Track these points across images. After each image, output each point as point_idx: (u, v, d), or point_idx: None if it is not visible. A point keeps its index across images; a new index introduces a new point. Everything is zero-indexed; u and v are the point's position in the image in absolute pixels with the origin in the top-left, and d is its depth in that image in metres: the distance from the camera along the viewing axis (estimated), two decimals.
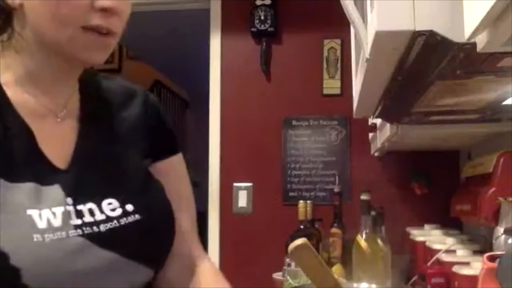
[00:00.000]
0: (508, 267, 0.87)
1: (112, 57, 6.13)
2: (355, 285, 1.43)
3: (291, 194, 2.64)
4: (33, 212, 0.71)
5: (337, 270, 1.97)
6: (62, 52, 0.79)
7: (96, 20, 0.77)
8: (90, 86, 0.90)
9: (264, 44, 2.71)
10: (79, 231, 0.74)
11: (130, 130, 0.90)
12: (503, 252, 0.94)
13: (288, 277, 1.76)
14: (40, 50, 0.79)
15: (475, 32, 0.67)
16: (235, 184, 2.64)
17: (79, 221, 0.75)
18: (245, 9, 2.72)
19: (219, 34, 2.77)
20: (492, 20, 0.63)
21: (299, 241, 0.94)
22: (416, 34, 0.79)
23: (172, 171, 0.94)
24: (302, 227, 2.14)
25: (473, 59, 0.81)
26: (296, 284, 1.71)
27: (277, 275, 1.96)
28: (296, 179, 2.66)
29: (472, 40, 0.70)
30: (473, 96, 1.16)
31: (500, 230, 1.30)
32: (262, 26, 2.70)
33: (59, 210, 0.74)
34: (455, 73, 0.93)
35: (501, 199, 1.37)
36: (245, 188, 2.64)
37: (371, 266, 1.62)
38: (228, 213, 2.67)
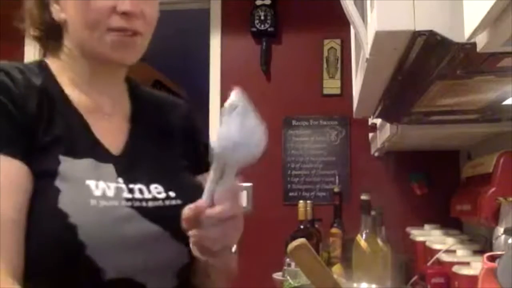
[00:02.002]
0: (508, 267, 0.87)
1: None
2: (355, 285, 1.43)
3: (291, 194, 2.64)
4: (91, 183, 0.81)
5: (337, 270, 1.97)
6: (96, 55, 0.88)
7: (118, 22, 0.86)
8: (141, 91, 1.02)
9: (264, 44, 2.71)
10: (129, 203, 0.83)
11: (172, 133, 0.99)
12: (503, 252, 0.93)
13: (288, 277, 1.76)
14: (82, 55, 0.90)
15: (475, 32, 0.67)
16: None
17: (130, 196, 0.84)
18: (245, 9, 2.72)
19: (219, 34, 2.77)
20: (492, 20, 0.63)
21: (298, 242, 0.94)
22: (416, 34, 0.79)
23: None
24: (302, 227, 2.14)
25: (473, 59, 0.81)
26: (296, 284, 1.71)
27: (277, 275, 1.96)
28: (296, 179, 2.65)
29: (472, 40, 0.70)
30: (473, 96, 1.16)
31: (500, 230, 1.30)
32: (262, 26, 2.70)
33: (112, 185, 0.83)
34: (455, 73, 0.93)
35: (501, 199, 1.37)
36: (245, 188, 2.64)
37: (371, 266, 1.62)
38: None
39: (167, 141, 0.97)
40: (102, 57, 0.88)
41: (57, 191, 0.78)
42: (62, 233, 0.77)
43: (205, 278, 0.93)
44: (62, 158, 0.81)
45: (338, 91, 2.67)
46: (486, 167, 1.55)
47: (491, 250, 1.26)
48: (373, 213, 1.71)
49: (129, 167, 0.88)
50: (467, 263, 1.38)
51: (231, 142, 0.75)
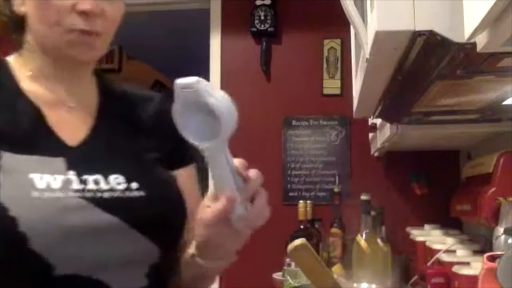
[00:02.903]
0: (508, 267, 0.87)
1: (112, 57, 6.14)
2: (355, 285, 1.43)
3: (291, 194, 2.64)
4: (34, 176, 0.77)
5: (337, 270, 1.97)
6: (55, 51, 0.87)
7: (77, 22, 0.84)
8: (111, 86, 0.99)
9: (264, 44, 2.71)
10: (79, 194, 0.79)
11: (142, 126, 0.95)
12: (503, 252, 0.94)
13: (288, 277, 1.76)
14: (42, 51, 0.88)
15: (475, 32, 0.67)
16: None
17: (80, 186, 0.80)
18: (245, 9, 2.71)
19: (219, 34, 2.77)
20: (492, 20, 0.63)
21: (298, 242, 0.94)
22: (416, 34, 0.79)
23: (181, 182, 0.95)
24: (302, 227, 2.14)
25: (473, 59, 0.81)
26: (296, 284, 1.71)
27: (277, 275, 1.96)
28: (296, 179, 2.65)
29: (472, 40, 0.70)
30: (473, 96, 1.16)
31: (500, 230, 1.30)
32: (262, 26, 2.70)
33: (60, 177, 0.79)
34: (455, 73, 0.93)
35: (501, 199, 1.37)
36: None
37: (371, 266, 1.62)
38: None
39: (136, 134, 0.93)
40: (61, 54, 0.87)
41: None
42: (1, 226, 0.73)
43: (196, 281, 0.90)
44: (3, 153, 0.79)
45: (338, 91, 2.67)
46: (486, 167, 1.55)
47: (491, 250, 1.26)
48: (373, 213, 1.71)
49: (86, 158, 0.84)
50: (467, 263, 1.38)
51: (231, 114, 0.73)
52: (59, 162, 0.81)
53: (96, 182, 0.81)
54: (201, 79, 0.71)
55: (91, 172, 0.82)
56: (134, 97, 0.99)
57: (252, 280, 2.33)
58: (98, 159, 0.85)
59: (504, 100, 1.20)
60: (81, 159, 0.83)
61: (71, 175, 0.80)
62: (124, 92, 0.99)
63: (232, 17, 2.77)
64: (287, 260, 1.87)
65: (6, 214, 0.73)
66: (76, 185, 0.79)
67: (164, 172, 0.92)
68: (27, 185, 0.76)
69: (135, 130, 0.94)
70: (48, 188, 0.77)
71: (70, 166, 0.81)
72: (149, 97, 1.01)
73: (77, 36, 0.84)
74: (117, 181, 0.83)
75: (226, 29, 2.77)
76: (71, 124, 0.88)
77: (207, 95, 0.70)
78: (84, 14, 0.84)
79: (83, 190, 0.79)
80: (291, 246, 0.95)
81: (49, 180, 0.78)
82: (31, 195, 0.75)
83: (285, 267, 1.88)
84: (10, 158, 0.78)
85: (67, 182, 0.79)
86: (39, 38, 0.88)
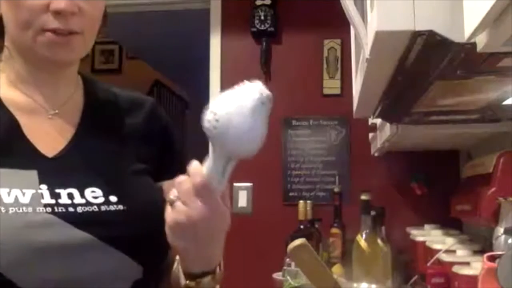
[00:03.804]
0: (508, 267, 0.87)
1: (112, 57, 6.15)
2: (355, 285, 1.43)
3: (291, 194, 2.64)
4: (1, 190, 0.73)
5: (337, 270, 1.97)
6: (32, 54, 0.83)
7: (52, 22, 0.80)
8: (99, 91, 0.94)
9: (264, 44, 2.71)
10: (49, 209, 0.74)
11: (130, 134, 0.91)
12: (503, 252, 0.93)
13: (288, 277, 1.76)
14: (19, 55, 0.85)
15: (475, 32, 0.67)
16: (235, 184, 2.64)
17: (52, 201, 0.75)
18: (245, 9, 2.72)
19: (219, 34, 2.77)
20: (492, 20, 0.63)
21: (298, 241, 0.94)
22: (416, 34, 0.79)
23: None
24: (302, 227, 2.14)
25: (473, 59, 0.81)
26: (296, 284, 1.71)
27: (277, 275, 1.96)
28: (296, 179, 2.65)
29: (472, 40, 0.70)
30: (473, 96, 1.16)
31: (500, 230, 1.30)
32: (262, 26, 2.70)
33: (29, 191, 0.75)
34: (455, 73, 0.93)
35: (501, 199, 1.37)
36: (245, 188, 2.64)
37: (371, 266, 1.62)
38: None
39: (122, 143, 0.88)
40: (38, 57, 0.83)
41: None
42: None
43: None
44: None
45: (338, 91, 2.67)
46: (486, 167, 1.55)
47: (491, 250, 1.26)
48: (373, 213, 1.71)
49: (61, 170, 0.79)
50: (467, 263, 1.38)
51: (254, 145, 0.73)
52: (32, 175, 0.77)
53: (71, 196, 0.77)
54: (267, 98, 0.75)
55: (66, 185, 0.77)
56: (124, 101, 0.94)
57: (252, 280, 2.33)
58: (75, 171, 0.81)
59: (504, 100, 1.20)
60: (55, 172, 0.79)
61: (43, 189, 0.76)
62: (113, 95, 0.94)
63: (232, 17, 2.77)
64: (287, 260, 1.87)
65: None
66: (46, 199, 0.75)
67: (149, 184, 0.88)
68: None
69: (121, 138, 0.89)
70: (16, 203, 0.72)
71: (43, 179, 0.77)
72: (140, 102, 0.95)
73: (51, 36, 0.80)
74: (93, 195, 0.78)
75: (226, 29, 2.77)
76: (51, 133, 0.84)
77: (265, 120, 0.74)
78: (58, 13, 0.80)
79: (54, 204, 0.75)
80: (291, 246, 0.95)
81: (17, 194, 0.73)
82: None
83: (285, 267, 1.88)
84: None
85: (37, 197, 0.74)
86: (15, 41, 0.84)
